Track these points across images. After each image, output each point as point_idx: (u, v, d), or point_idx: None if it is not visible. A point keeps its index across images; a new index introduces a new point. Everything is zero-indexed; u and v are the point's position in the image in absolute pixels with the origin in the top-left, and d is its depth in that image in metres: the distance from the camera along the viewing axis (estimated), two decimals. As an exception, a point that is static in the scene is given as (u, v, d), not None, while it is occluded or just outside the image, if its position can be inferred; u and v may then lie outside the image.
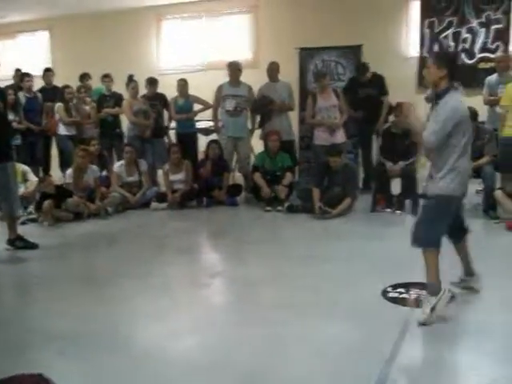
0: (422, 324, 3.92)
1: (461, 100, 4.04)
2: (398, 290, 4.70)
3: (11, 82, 9.93)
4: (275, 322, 4.13)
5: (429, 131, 4.01)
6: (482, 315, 4.15)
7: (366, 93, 8.99)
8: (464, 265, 4.57)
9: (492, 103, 8.36)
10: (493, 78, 8.50)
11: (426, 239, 4.09)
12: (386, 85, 9.07)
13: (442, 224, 4.12)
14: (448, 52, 4.01)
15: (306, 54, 9.89)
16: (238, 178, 9.49)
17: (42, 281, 5.34)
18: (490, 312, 4.23)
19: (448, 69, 3.97)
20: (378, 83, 9.02)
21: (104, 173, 8.76)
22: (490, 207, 7.19)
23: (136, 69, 10.32)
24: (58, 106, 9.25)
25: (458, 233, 4.44)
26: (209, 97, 9.13)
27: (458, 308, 4.34)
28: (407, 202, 7.69)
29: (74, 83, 9.74)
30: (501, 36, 10.49)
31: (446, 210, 4.12)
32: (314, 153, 8.54)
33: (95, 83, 10.22)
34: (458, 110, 3.98)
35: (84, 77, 10.11)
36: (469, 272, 4.58)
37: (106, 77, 9.81)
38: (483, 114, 8.21)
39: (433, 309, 3.94)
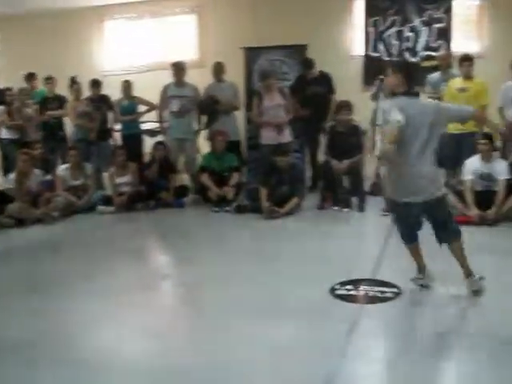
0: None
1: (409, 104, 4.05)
2: (346, 287, 4.74)
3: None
4: (224, 323, 4.12)
5: None
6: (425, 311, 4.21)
7: (313, 91, 8.98)
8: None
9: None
10: (435, 75, 8.63)
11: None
12: (334, 83, 9.08)
13: (399, 224, 4.54)
14: (405, 60, 4.04)
15: (252, 54, 9.89)
16: (184, 179, 9.42)
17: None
18: (429, 306, 4.29)
19: (404, 75, 3.98)
20: (326, 81, 9.03)
21: (48, 177, 8.58)
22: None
23: (79, 70, 10.15)
24: (0, 109, 9.04)
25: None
26: (155, 98, 9.04)
27: (402, 303, 4.39)
28: (354, 200, 7.75)
29: (16, 85, 9.51)
30: (443, 34, 10.65)
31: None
32: (261, 152, 8.53)
33: (38, 85, 10.02)
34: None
35: (30, 77, 9.88)
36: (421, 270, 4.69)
37: (49, 79, 9.61)
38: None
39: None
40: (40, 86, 9.97)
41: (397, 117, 3.91)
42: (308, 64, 9.15)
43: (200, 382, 3.30)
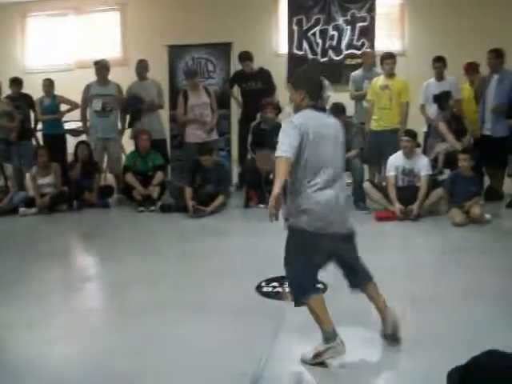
0: (302, 361, 3.48)
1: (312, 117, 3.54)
2: (272, 284, 4.77)
3: None
4: (150, 323, 4.10)
5: None
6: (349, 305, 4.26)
7: (250, 86, 8.91)
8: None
9: (358, 98, 8.65)
10: (358, 73, 8.80)
11: None
12: (273, 79, 9.02)
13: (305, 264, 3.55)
14: (305, 73, 3.63)
15: (176, 52, 9.81)
16: (109, 178, 9.29)
17: None
18: (356, 302, 4.35)
19: (305, 90, 3.69)
20: (265, 77, 8.94)
21: (-33, 178, 8.32)
22: (359, 199, 7.41)
23: (0, 67, 9.90)
24: None
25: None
26: (77, 97, 8.86)
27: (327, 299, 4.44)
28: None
29: None
30: (366, 33, 10.85)
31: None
32: (186, 151, 8.50)
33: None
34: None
35: None
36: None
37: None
38: (350, 108, 8.46)
39: (316, 355, 3.43)
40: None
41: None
42: (245, 56, 8.96)
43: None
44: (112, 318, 4.37)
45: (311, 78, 3.79)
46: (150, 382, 3.28)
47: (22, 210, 8.01)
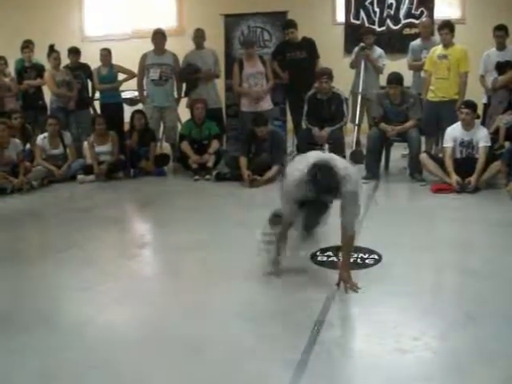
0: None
1: None
2: (327, 253, 4.76)
3: None
4: (207, 291, 4.14)
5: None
6: (406, 277, 4.25)
7: (295, 56, 8.80)
8: None
9: (416, 68, 8.49)
10: (417, 43, 8.63)
11: None
12: (317, 48, 8.91)
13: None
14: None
15: (231, 21, 9.77)
16: (165, 147, 9.38)
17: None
18: (411, 272, 4.33)
19: None
20: (309, 46, 8.84)
21: (27, 146, 8.50)
22: (415, 170, 7.34)
23: (58, 37, 10.04)
24: (-24, 79, 8.94)
25: None
26: (134, 66, 8.93)
27: (382, 270, 4.43)
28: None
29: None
30: (425, 2, 10.65)
31: None
32: (241, 120, 8.51)
33: (16, 54, 9.80)
34: None
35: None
36: None
37: (26, 47, 9.41)
38: (408, 79, 8.33)
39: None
40: (17, 55, 9.76)
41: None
42: (289, 24, 8.93)
43: (187, 346, 3.31)
44: (166, 283, 4.43)
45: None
46: (202, 346, 3.31)
47: (80, 177, 8.18)
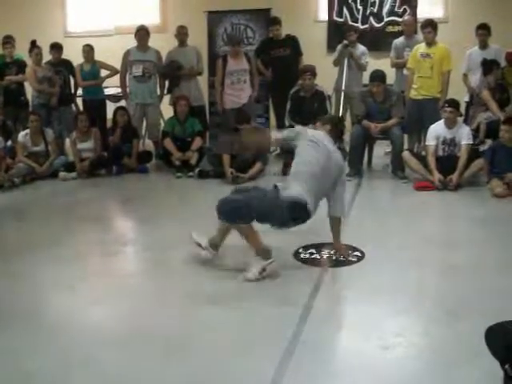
0: (248, 280, 4.14)
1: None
2: (310, 250, 4.78)
3: None
4: (187, 286, 4.15)
5: None
6: (388, 274, 4.27)
7: (279, 53, 8.83)
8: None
9: (399, 66, 8.53)
10: (399, 41, 8.67)
11: None
12: (300, 46, 8.95)
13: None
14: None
15: (215, 18, 9.77)
16: (147, 144, 9.35)
17: None
18: (394, 269, 4.35)
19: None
20: (292, 44, 8.89)
21: (9, 143, 8.44)
22: (398, 168, 7.37)
23: (40, 32, 9.98)
24: (-44, 75, 8.87)
25: None
26: (117, 62, 8.89)
27: (365, 267, 4.45)
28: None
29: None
30: (408, 0, 10.67)
31: None
32: (224, 118, 8.50)
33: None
34: None
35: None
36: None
37: (7, 43, 9.33)
38: (391, 76, 8.37)
39: (262, 271, 4.17)
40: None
41: None
42: (274, 21, 8.99)
43: (169, 346, 3.29)
44: (149, 281, 4.42)
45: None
46: (190, 346, 3.29)
47: (62, 174, 8.12)
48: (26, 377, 3.02)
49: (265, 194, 4.39)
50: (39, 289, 4.24)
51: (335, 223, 4.57)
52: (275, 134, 4.99)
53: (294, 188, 4.30)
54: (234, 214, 4.22)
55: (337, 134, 4.82)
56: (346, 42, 8.83)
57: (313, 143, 4.42)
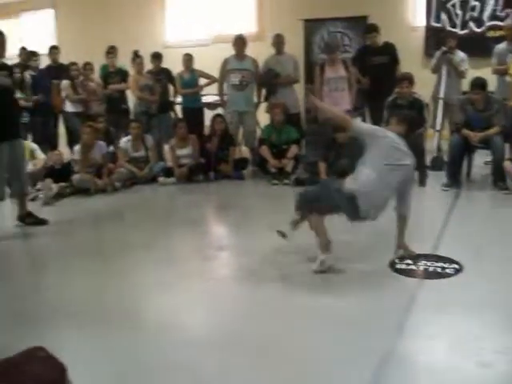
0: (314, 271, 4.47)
1: None
2: (406, 261, 4.73)
3: (16, 60, 9.88)
4: (282, 294, 4.17)
5: None
6: (488, 288, 4.18)
7: (376, 61, 8.75)
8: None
9: (501, 72, 8.28)
10: (502, 46, 8.41)
11: None
12: (398, 53, 8.82)
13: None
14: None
15: (311, 26, 9.81)
16: (244, 151, 9.48)
17: (52, 255, 5.41)
18: (494, 284, 4.25)
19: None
20: (390, 51, 8.79)
21: (111, 149, 8.77)
22: (499, 178, 7.17)
23: (141, 44, 10.29)
24: (64, 83, 9.33)
25: None
26: (214, 71, 9.08)
27: (462, 280, 4.37)
28: (415, 174, 7.65)
29: (80, 60, 9.69)
30: (510, 3, 10.36)
31: None
32: (321, 126, 8.50)
33: (101, 60, 10.11)
34: None
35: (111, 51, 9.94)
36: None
37: (111, 53, 9.72)
38: (492, 83, 8.16)
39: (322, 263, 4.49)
40: (102, 61, 10.07)
41: None
42: (371, 28, 8.92)
43: (263, 352, 3.34)
44: (244, 287, 4.45)
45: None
46: (283, 349, 3.35)
47: (161, 179, 8.39)
48: (122, 377, 3.13)
49: (337, 187, 4.67)
50: (139, 288, 4.40)
51: (400, 221, 4.79)
52: (357, 122, 5.15)
53: (359, 179, 4.64)
54: (309, 204, 4.64)
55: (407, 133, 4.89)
56: (444, 48, 8.68)
57: (392, 143, 4.63)
